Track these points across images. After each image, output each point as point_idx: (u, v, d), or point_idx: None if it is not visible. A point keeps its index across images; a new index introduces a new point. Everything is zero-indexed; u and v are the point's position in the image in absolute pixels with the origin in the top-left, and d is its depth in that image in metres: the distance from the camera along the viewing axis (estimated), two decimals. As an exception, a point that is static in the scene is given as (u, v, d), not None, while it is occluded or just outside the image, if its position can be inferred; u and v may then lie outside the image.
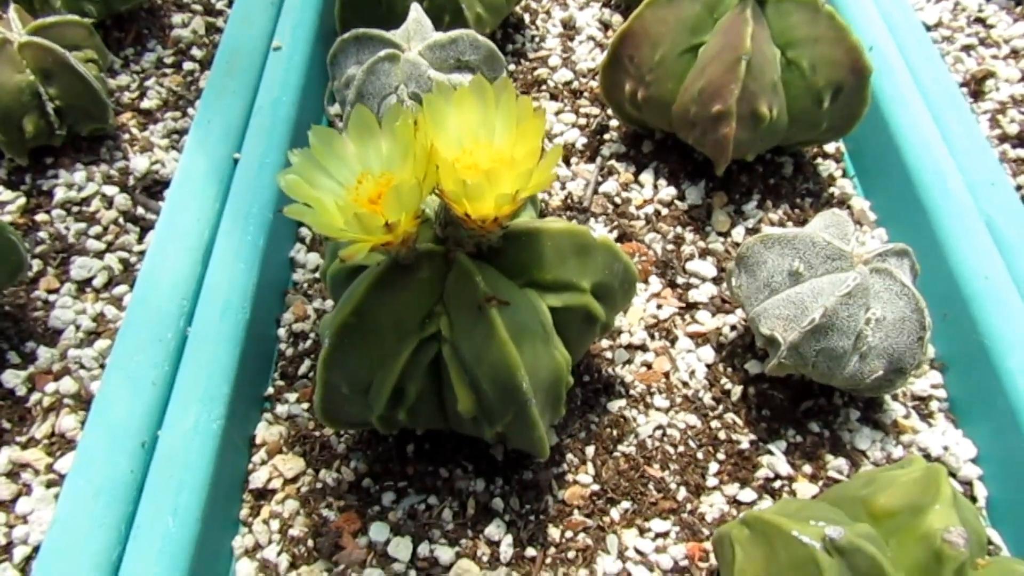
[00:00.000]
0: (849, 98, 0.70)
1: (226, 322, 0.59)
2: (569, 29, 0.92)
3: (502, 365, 0.47)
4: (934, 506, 0.44)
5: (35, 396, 0.61)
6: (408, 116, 0.44)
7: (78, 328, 0.65)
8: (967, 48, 0.91)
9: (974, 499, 0.59)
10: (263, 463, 0.59)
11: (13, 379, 0.62)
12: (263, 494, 0.58)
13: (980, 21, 0.95)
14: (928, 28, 0.93)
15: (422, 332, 0.50)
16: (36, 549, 0.54)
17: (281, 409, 0.62)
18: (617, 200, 0.75)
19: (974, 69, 0.88)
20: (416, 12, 0.69)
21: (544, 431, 0.50)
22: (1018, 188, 0.77)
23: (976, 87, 0.86)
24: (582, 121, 0.82)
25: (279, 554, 0.55)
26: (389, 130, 0.46)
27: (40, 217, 0.72)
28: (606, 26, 0.93)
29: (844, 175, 0.79)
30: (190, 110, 0.82)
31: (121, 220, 0.73)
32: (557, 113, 0.83)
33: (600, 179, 0.76)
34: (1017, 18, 0.95)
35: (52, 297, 0.67)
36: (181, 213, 0.65)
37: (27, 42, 0.70)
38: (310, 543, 0.55)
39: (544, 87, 0.85)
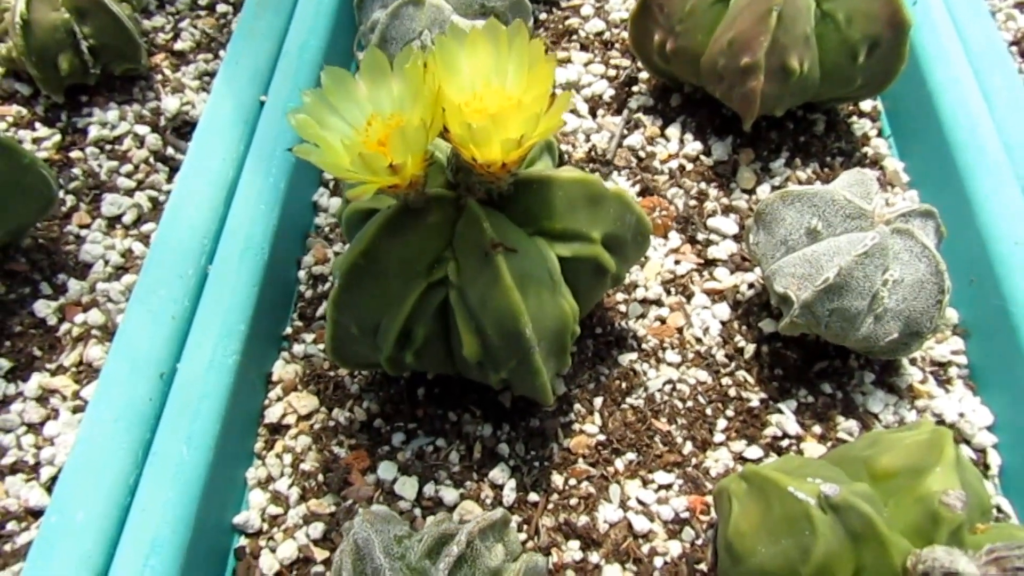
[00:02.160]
0: (886, 53, 0.68)
1: (245, 261, 0.60)
2: (604, -25, 0.90)
3: (506, 311, 0.47)
4: (935, 468, 0.44)
5: (65, 326, 0.64)
6: (419, 57, 0.44)
7: (107, 263, 0.67)
8: (1021, 4, 0.87)
9: (987, 467, 0.58)
10: (278, 399, 0.61)
11: (45, 309, 0.64)
12: (277, 429, 0.60)
13: (1035, -22, 0.90)
14: (981, -17, 0.89)
15: (430, 276, 0.50)
16: (61, 470, 0.56)
17: (298, 348, 0.63)
18: (641, 154, 0.74)
19: (1026, 27, 0.84)
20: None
21: (547, 379, 0.51)
22: (1062, 153, 0.74)
23: (1026, 47, 0.83)
24: (611, 72, 0.81)
25: (290, 487, 0.57)
26: (400, 72, 0.46)
27: (74, 154, 0.74)
28: (642, -25, 0.91)
29: (880, 135, 0.77)
30: (221, 52, 0.82)
31: (151, 159, 0.74)
32: (587, 64, 0.82)
33: (626, 132, 0.76)
34: (1077, -26, 0.90)
35: (83, 232, 0.69)
36: (207, 153, 0.67)
37: (62, -21, 0.71)
38: (320, 478, 0.57)
39: (575, 37, 0.84)
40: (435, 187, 0.50)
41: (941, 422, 0.59)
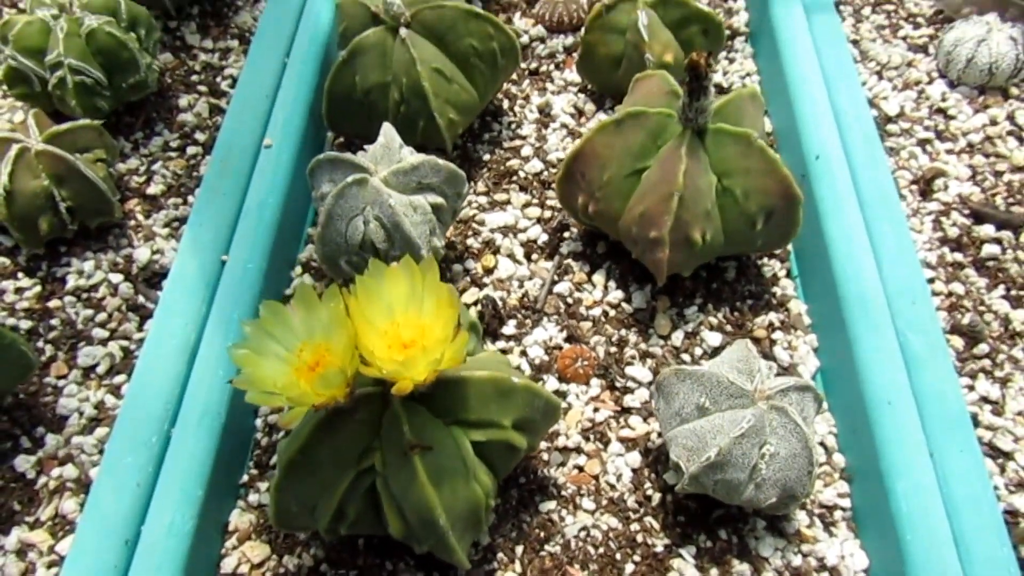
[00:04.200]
0: (781, 221, 0.76)
1: (204, 427, 0.68)
2: (545, 116, 0.99)
3: (423, 504, 0.55)
4: None
5: (42, 480, 0.71)
6: (340, 300, 0.52)
7: (81, 415, 0.74)
8: (923, 143, 0.95)
9: (861, 609, 0.66)
10: (234, 548, 0.68)
11: (24, 464, 0.71)
12: (232, 578, 0.67)
13: (941, 112, 0.98)
14: (889, 119, 0.97)
15: (360, 465, 0.58)
16: (38, 624, 0.63)
17: (253, 497, 0.71)
18: (569, 300, 0.82)
19: (927, 166, 0.92)
20: (384, 135, 0.76)
21: (462, 553, 0.58)
22: (949, 295, 0.83)
23: (925, 186, 0.91)
24: (547, 214, 0.89)
25: (243, 635, 0.64)
26: (327, 305, 0.53)
27: (53, 303, 0.81)
28: (580, 113, 0.99)
29: (788, 275, 0.85)
30: (190, 198, 0.90)
31: (124, 308, 0.81)
32: (525, 206, 0.89)
33: (556, 278, 0.83)
34: (978, 108, 0.98)
35: (61, 383, 0.77)
36: (172, 316, 0.74)
37: (43, 150, 0.79)
38: (270, 626, 0.64)
39: (515, 178, 0.92)
40: (363, 386, 0.57)
41: (823, 567, 0.67)
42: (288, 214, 0.84)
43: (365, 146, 0.78)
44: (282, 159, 0.85)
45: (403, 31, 0.83)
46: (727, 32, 1.07)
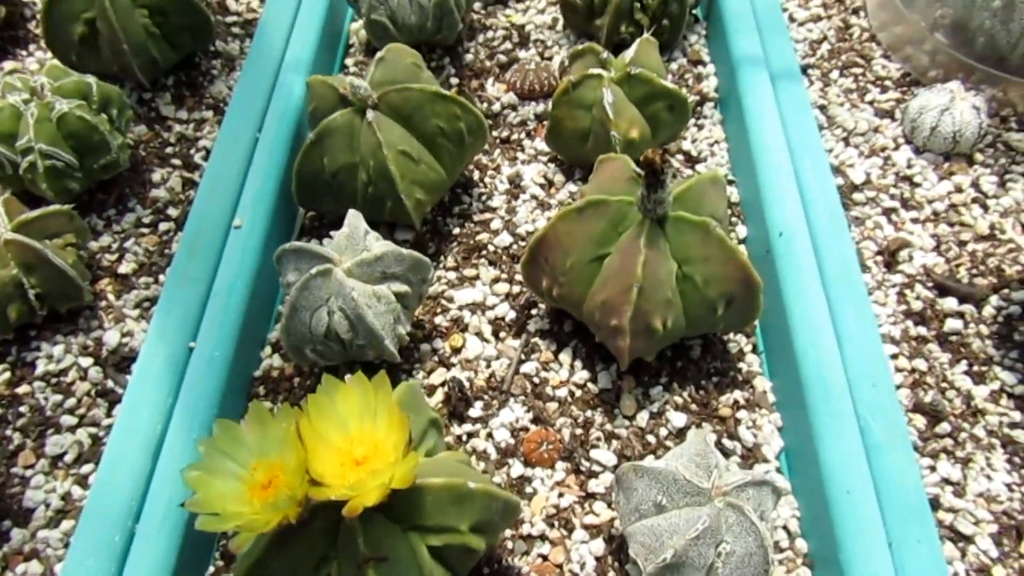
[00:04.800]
0: (741, 306, 0.76)
1: (167, 524, 0.68)
2: (515, 187, 1.00)
3: (377, 617, 0.55)
4: None
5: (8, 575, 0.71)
6: (291, 420, 0.53)
7: (48, 507, 0.75)
8: (889, 211, 0.96)
9: None
10: (198, 645, 0.69)
11: (-10, 560, 0.72)
12: (196, 677, 0.67)
13: (907, 179, 1.00)
14: (855, 187, 0.99)
15: (317, 574, 0.58)
16: None
17: (218, 591, 0.71)
18: (536, 380, 0.82)
19: (892, 236, 0.94)
20: (349, 225, 0.77)
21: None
22: (912, 371, 0.83)
23: (890, 258, 0.92)
24: (515, 290, 0.90)
25: None
26: (279, 424, 0.54)
27: (22, 389, 0.82)
28: (550, 183, 1.00)
29: (754, 350, 0.86)
30: (161, 277, 0.90)
31: (93, 392, 0.82)
32: (494, 282, 0.90)
33: (523, 357, 0.84)
34: (943, 176, 1.00)
35: (28, 472, 0.77)
36: (138, 407, 0.74)
37: (12, 239, 0.80)
38: None
39: (484, 252, 0.93)
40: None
41: (783, 657, 0.67)
42: (257, 296, 0.85)
43: (332, 232, 0.79)
44: (251, 241, 0.86)
45: (370, 114, 0.85)
46: (696, 98, 1.08)
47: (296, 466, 0.52)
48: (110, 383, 0.82)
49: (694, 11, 1.18)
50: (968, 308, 0.87)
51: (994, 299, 0.87)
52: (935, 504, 0.75)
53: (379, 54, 0.90)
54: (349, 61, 1.17)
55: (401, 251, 0.76)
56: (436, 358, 0.84)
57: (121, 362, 0.83)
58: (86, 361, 0.83)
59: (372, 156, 0.84)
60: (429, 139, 0.88)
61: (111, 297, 0.89)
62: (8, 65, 1.10)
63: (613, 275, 0.74)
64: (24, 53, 1.13)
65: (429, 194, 0.89)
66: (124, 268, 0.91)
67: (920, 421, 0.80)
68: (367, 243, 0.77)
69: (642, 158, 0.69)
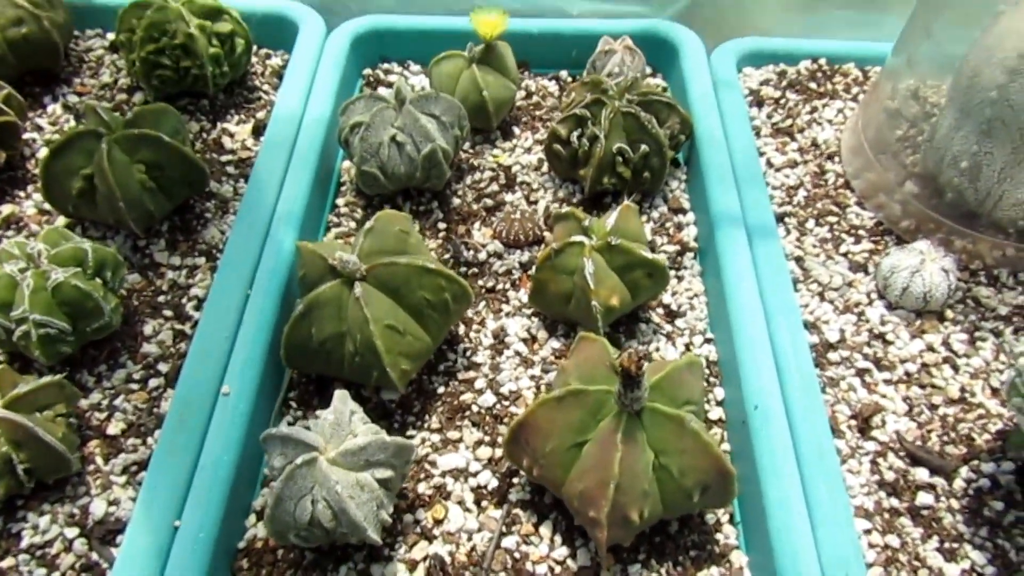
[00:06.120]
0: (717, 492, 0.78)
1: None
2: (499, 342, 1.02)
3: None
4: None
5: None
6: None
7: None
8: (862, 372, 0.99)
9: None
10: None
11: None
12: None
13: (880, 337, 1.03)
14: (830, 346, 1.01)
15: None
16: None
17: None
18: (516, 555, 0.84)
19: (865, 400, 0.96)
20: (335, 411, 0.79)
21: None
22: (885, 547, 0.85)
23: (863, 423, 0.94)
24: (498, 454, 0.91)
25: None
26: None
27: (7, 563, 0.82)
28: (533, 339, 1.02)
29: (731, 520, 0.88)
30: (149, 439, 0.92)
31: (78, 566, 0.82)
32: (477, 445, 0.92)
33: (504, 530, 0.85)
34: (914, 334, 1.03)
35: (10, 656, 0.77)
36: (122, 594, 0.75)
37: (3, 417, 0.81)
38: None
39: (468, 413, 0.95)
40: None
41: None
42: (243, 464, 0.86)
43: (318, 412, 0.81)
44: (239, 410, 0.88)
45: (357, 288, 0.87)
46: (677, 247, 1.12)
47: None
48: (95, 556, 0.83)
49: (676, 155, 1.22)
50: (939, 481, 0.89)
51: (964, 470, 0.90)
52: None
53: (368, 224, 0.93)
54: (340, 201, 1.20)
55: (385, 439, 0.77)
56: (419, 529, 0.86)
57: (107, 535, 0.84)
58: (72, 532, 0.84)
59: (359, 330, 0.87)
60: (416, 310, 0.90)
61: (99, 460, 0.90)
62: (6, 209, 1.13)
63: (591, 468, 0.76)
64: (22, 195, 1.16)
65: (415, 362, 0.91)
66: (113, 428, 0.92)
67: (893, 603, 0.81)
68: (352, 426, 0.79)
69: (619, 364, 0.71)
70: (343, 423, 0.79)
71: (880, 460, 0.91)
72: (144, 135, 1.02)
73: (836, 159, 1.24)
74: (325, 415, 0.80)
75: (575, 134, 1.13)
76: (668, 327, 1.03)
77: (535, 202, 1.18)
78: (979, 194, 1.06)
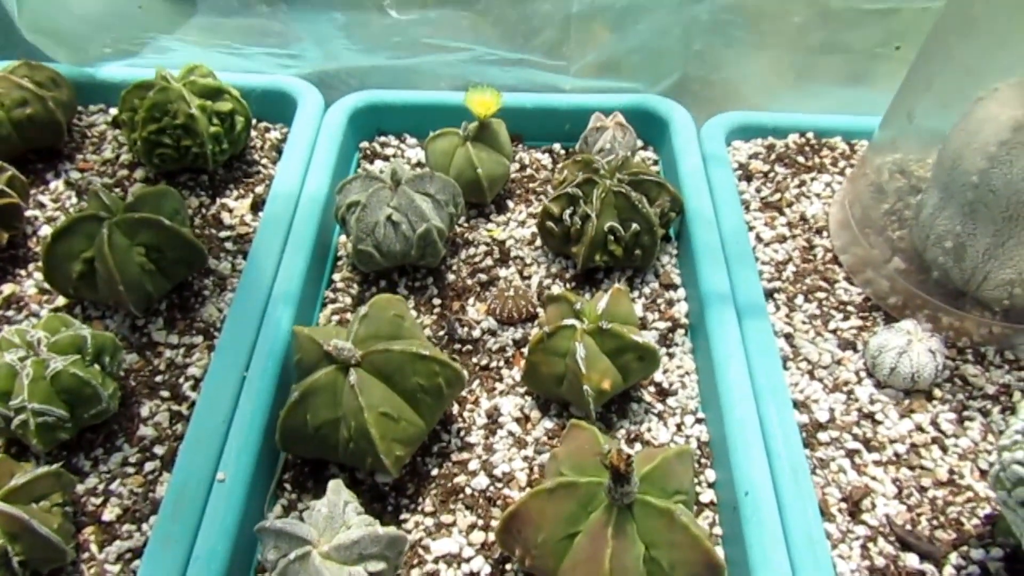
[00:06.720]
0: (707, 585, 0.79)
1: None
2: (493, 422, 1.03)
3: None
4: None
5: None
6: None
7: None
8: (852, 453, 1.00)
9: None
10: None
11: None
12: None
13: (869, 416, 1.04)
14: (820, 426, 1.02)
15: None
16: None
17: None
18: (509, 646, 0.84)
19: (855, 483, 0.97)
20: (328, 504, 0.80)
21: None
22: (877, 636, 0.85)
23: (853, 507, 0.95)
24: (491, 538, 0.92)
25: None
26: None
27: (0, 656, 0.83)
28: (526, 419, 1.04)
29: (723, 607, 0.88)
30: (144, 525, 0.92)
31: (70, 660, 0.83)
32: (470, 529, 0.93)
33: (497, 620, 0.86)
34: (903, 413, 1.04)
35: None
36: None
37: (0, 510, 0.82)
38: None
39: (461, 496, 0.96)
40: None
41: None
42: (236, 554, 0.86)
43: (311, 503, 0.82)
44: (234, 498, 0.89)
45: (352, 375, 0.89)
46: (668, 324, 1.13)
47: None
48: (88, 651, 0.83)
49: (667, 231, 1.24)
50: (929, 567, 0.89)
51: (954, 556, 0.90)
52: None
53: (362, 310, 0.94)
54: (337, 276, 1.22)
55: (378, 532, 0.78)
56: (411, 619, 0.86)
57: (101, 630, 0.84)
58: (65, 625, 0.85)
59: (354, 417, 0.88)
60: (410, 395, 0.91)
61: (94, 548, 0.90)
62: (7, 289, 1.14)
63: (582, 562, 0.77)
64: (23, 274, 1.18)
65: (408, 447, 0.92)
66: (108, 514, 0.93)
67: None
68: (346, 517, 0.80)
69: (608, 461, 0.72)
70: (336, 515, 0.79)
71: (870, 545, 0.92)
72: (144, 219, 1.04)
73: (824, 233, 1.27)
74: (319, 507, 0.80)
75: (567, 212, 1.16)
76: (660, 406, 1.05)
77: (529, 277, 1.20)
78: (964, 273, 1.08)
